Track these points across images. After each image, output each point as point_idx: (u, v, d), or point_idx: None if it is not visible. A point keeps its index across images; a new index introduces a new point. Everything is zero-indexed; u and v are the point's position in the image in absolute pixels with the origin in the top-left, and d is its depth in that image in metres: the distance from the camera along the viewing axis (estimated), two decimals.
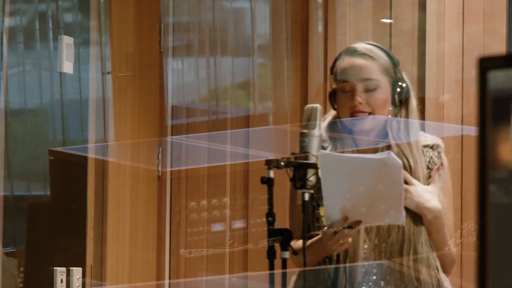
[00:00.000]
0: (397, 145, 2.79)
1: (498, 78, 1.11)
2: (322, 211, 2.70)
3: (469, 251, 3.42)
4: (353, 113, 2.76)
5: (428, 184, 2.82)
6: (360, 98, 2.69)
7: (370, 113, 2.76)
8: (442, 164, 2.84)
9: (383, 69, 2.72)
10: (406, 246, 2.77)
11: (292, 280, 2.81)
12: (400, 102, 2.78)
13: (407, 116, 2.84)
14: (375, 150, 2.82)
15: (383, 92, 2.72)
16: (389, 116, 2.81)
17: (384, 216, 2.70)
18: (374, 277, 2.83)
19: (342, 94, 2.72)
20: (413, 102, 2.81)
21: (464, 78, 3.63)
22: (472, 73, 3.66)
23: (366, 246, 2.76)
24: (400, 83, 2.75)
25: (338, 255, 2.80)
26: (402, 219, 2.64)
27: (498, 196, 1.11)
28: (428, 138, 2.83)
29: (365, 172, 2.70)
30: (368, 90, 2.69)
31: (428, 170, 2.80)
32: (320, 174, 2.67)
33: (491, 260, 1.25)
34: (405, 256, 2.80)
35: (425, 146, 2.80)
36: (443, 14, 3.68)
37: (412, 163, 2.77)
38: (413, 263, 2.84)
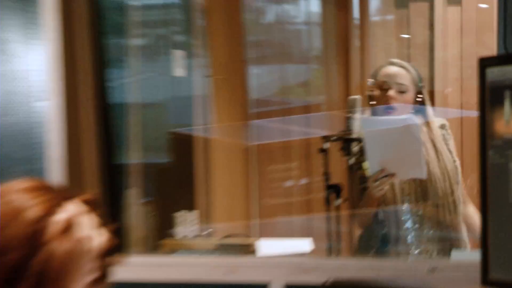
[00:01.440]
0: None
1: (493, 72, 1.38)
2: (365, 165, 3.03)
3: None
4: (386, 106, 3.10)
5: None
6: (394, 96, 3.05)
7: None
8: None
9: (412, 80, 3.08)
10: (434, 195, 3.06)
11: (357, 234, 3.24)
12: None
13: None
14: None
15: (409, 96, 3.07)
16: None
17: (410, 171, 2.98)
18: (410, 222, 3.16)
19: (381, 91, 3.07)
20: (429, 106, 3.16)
21: (462, 77, 4.13)
22: (467, 72, 4.15)
23: (402, 197, 3.09)
24: (421, 94, 3.11)
25: (384, 207, 3.12)
26: (423, 173, 2.92)
27: (495, 158, 1.35)
28: (437, 120, 3.14)
29: (394, 131, 2.96)
30: (399, 92, 3.06)
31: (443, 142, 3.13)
32: (363, 137, 3.00)
33: (490, 214, 1.41)
34: (431, 202, 3.10)
35: (438, 127, 3.14)
36: (446, 31, 4.17)
37: (435, 139, 3.09)
38: (441, 208, 3.11)
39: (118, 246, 1.34)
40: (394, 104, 3.10)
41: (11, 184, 1.33)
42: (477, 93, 1.38)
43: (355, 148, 3.04)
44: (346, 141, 3.01)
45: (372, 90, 3.15)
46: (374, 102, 3.16)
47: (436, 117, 3.20)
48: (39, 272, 1.24)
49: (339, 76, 4.39)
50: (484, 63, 1.40)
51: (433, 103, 3.66)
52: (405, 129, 2.96)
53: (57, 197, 1.31)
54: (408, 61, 3.80)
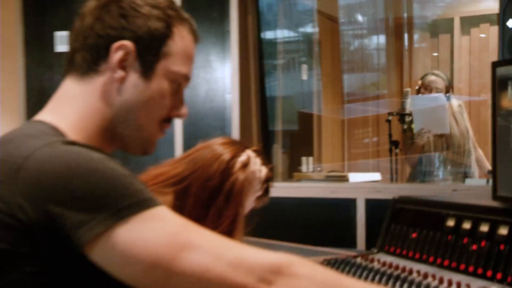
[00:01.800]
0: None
1: (501, 70, 1.46)
2: (413, 126, 3.48)
3: None
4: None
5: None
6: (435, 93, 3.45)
7: None
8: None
9: (444, 83, 3.55)
10: (453, 146, 3.42)
11: (408, 170, 3.72)
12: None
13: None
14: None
15: (442, 92, 3.49)
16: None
17: (439, 128, 3.35)
18: (438, 162, 3.47)
19: (424, 90, 3.55)
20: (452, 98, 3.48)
21: (470, 77, 4.95)
22: (473, 75, 4.85)
23: (434, 146, 3.46)
24: (449, 91, 3.52)
25: (423, 152, 3.33)
26: (447, 130, 3.33)
27: (501, 122, 1.43)
28: (456, 101, 3.58)
29: (430, 104, 3.34)
30: (437, 92, 3.50)
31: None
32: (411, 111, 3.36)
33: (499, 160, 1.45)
34: (451, 150, 3.46)
35: (457, 105, 3.52)
36: (460, 51, 5.03)
37: (454, 112, 3.45)
38: (457, 154, 3.44)
39: (271, 177, 1.55)
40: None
41: (212, 140, 1.60)
42: (490, 83, 1.46)
43: (407, 119, 3.58)
44: (402, 115, 3.59)
45: (420, 87, 3.64)
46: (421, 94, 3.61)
47: (455, 100, 3.69)
48: (229, 190, 1.51)
49: (396, 78, 5.21)
50: (496, 64, 1.47)
51: (453, 92, 4.06)
52: (436, 103, 3.33)
53: (239, 147, 1.59)
54: (437, 69, 4.40)
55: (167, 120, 1.17)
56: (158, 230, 0.93)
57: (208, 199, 1.51)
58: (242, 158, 1.55)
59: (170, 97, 1.14)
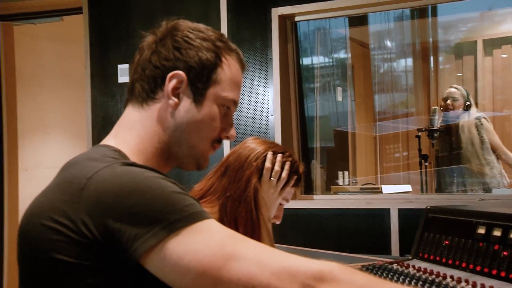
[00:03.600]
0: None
1: None
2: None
3: None
4: (446, 108, 3.65)
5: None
6: (450, 103, 3.57)
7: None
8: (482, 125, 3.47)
9: (461, 94, 3.69)
10: (475, 157, 3.50)
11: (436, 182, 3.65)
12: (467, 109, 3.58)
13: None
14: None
15: (459, 103, 3.66)
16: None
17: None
18: (465, 174, 3.56)
19: (444, 104, 3.72)
20: (473, 109, 3.62)
21: (493, 94, 4.88)
22: (496, 92, 4.78)
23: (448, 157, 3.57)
24: (468, 102, 3.55)
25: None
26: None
27: None
28: (476, 114, 3.57)
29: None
30: (453, 101, 3.60)
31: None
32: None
33: None
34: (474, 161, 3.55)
35: (474, 118, 3.56)
36: (484, 71, 4.97)
37: (469, 124, 3.50)
38: (483, 166, 3.47)
39: (307, 185, 1.58)
40: (450, 107, 3.68)
41: (248, 139, 1.65)
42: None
43: (435, 135, 3.70)
44: (430, 131, 3.68)
45: (443, 100, 3.80)
46: (442, 108, 3.73)
47: (478, 113, 3.69)
48: (257, 172, 1.54)
49: (423, 97, 5.15)
50: None
51: (477, 107, 4.04)
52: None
53: (270, 146, 1.62)
54: (462, 84, 4.53)
55: (218, 141, 1.18)
56: (206, 241, 0.93)
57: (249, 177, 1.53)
58: (269, 154, 1.58)
59: (219, 120, 1.15)
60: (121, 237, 0.94)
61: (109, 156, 1.06)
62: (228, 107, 1.17)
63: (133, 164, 1.02)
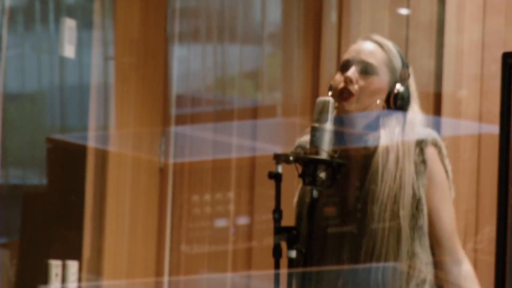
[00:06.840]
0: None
1: None
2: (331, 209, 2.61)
3: (485, 256, 3.36)
4: (341, 90, 2.60)
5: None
6: (352, 76, 2.57)
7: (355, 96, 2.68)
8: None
9: (389, 62, 2.57)
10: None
11: None
12: (395, 107, 2.62)
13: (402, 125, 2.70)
14: (364, 148, 2.66)
15: (378, 83, 2.56)
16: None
17: None
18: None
19: (339, 73, 2.56)
20: (412, 113, 2.64)
21: (483, 73, 3.57)
22: (492, 68, 3.61)
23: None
24: (400, 88, 2.59)
25: None
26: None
27: None
28: (419, 131, 2.61)
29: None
30: (363, 73, 2.55)
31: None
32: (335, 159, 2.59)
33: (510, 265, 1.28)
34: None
35: (412, 142, 2.60)
36: (463, 6, 3.61)
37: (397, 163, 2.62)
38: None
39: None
40: (350, 89, 2.53)
41: None
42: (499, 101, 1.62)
43: (321, 174, 2.45)
44: (309, 162, 2.49)
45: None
46: (331, 92, 2.63)
47: (423, 126, 2.62)
48: None
49: (304, 65, 3.96)
50: (510, 60, 1.69)
51: (438, 111, 3.48)
52: None
53: None
54: (406, 45, 3.64)
55: None
56: None
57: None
58: None
59: None
60: None
61: None
62: None
63: None
